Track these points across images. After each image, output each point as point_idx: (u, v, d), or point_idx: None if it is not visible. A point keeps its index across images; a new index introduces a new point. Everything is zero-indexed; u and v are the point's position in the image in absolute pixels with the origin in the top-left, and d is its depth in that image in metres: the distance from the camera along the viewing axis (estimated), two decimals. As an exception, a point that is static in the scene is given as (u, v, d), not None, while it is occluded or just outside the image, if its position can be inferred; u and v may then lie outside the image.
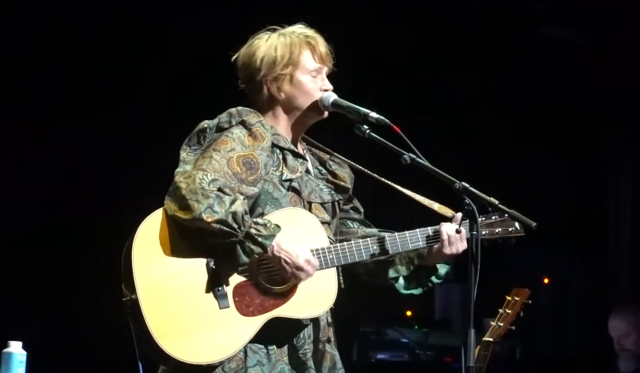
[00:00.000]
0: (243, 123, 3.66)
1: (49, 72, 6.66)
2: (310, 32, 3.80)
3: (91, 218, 6.67)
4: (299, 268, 3.56)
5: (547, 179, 8.08)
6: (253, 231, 3.49)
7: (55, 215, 6.72)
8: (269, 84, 3.75)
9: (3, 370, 3.76)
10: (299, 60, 3.74)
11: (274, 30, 3.79)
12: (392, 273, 3.89)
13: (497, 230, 3.85)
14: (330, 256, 3.66)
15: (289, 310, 3.60)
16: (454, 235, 3.77)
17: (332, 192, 3.83)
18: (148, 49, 6.78)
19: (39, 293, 6.70)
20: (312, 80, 3.76)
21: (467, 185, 3.56)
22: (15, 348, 3.79)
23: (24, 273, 6.69)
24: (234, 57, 3.81)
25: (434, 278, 3.90)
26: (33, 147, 6.74)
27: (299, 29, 3.80)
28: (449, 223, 3.81)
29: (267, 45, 3.75)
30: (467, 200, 3.54)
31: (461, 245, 3.78)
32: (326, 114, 3.78)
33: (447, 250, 3.78)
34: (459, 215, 3.78)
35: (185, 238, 3.52)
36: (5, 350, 3.79)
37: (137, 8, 6.61)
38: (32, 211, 6.69)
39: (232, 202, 3.48)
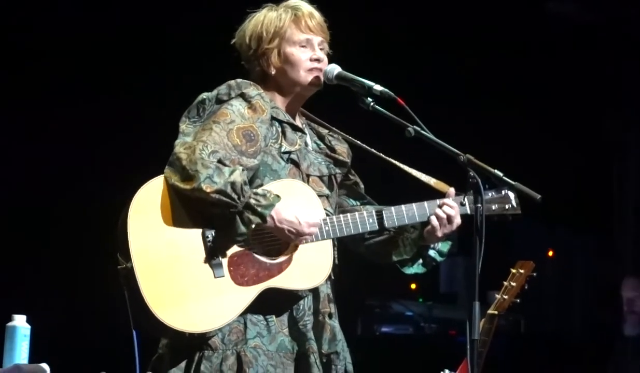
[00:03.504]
0: (243, 95, 3.64)
1: (47, 56, 6.64)
2: (298, 3, 3.76)
3: (91, 197, 6.67)
4: (304, 234, 3.55)
5: (552, 159, 8.07)
6: (252, 201, 3.47)
7: (58, 196, 6.74)
8: (260, 59, 3.73)
9: (7, 344, 3.77)
10: (285, 32, 3.71)
11: (267, 7, 3.77)
12: (395, 257, 3.84)
13: (493, 207, 3.79)
14: (327, 228, 3.64)
15: (283, 281, 3.58)
16: (446, 217, 3.72)
17: (331, 165, 3.81)
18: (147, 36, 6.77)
19: (42, 269, 6.72)
20: (301, 51, 3.72)
21: (471, 157, 3.55)
22: (20, 321, 3.80)
23: (29, 250, 6.70)
24: (233, 41, 3.80)
25: (437, 257, 3.86)
26: (36, 131, 6.75)
27: (291, 1, 3.77)
28: (438, 209, 3.72)
29: (254, 22, 3.74)
30: (472, 173, 3.53)
31: (455, 224, 3.74)
32: (321, 85, 3.74)
33: (440, 233, 3.73)
34: (452, 190, 3.75)
35: (182, 207, 3.50)
36: (10, 323, 3.79)
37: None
38: (37, 193, 6.70)
39: (232, 173, 3.46)
